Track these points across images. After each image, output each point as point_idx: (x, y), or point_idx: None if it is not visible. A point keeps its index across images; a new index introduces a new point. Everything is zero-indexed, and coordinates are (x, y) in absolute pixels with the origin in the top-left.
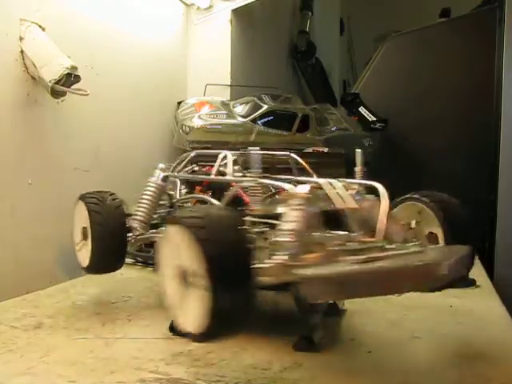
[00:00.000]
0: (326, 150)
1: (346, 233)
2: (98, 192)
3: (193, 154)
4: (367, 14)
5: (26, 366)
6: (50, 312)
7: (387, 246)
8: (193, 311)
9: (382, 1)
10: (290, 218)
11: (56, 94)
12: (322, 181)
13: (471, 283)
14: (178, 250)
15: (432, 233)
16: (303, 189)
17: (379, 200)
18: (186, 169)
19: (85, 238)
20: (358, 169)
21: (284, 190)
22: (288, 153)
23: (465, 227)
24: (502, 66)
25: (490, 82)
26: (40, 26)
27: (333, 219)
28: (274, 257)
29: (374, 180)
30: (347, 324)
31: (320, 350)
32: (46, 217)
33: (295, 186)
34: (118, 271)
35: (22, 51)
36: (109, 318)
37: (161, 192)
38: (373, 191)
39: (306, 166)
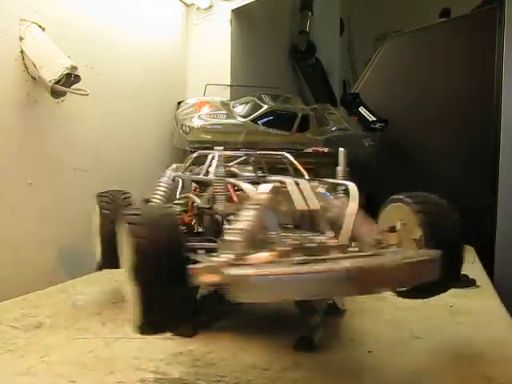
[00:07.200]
0: (325, 149)
1: (309, 233)
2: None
3: (195, 154)
4: (367, 14)
5: (26, 366)
6: (49, 312)
7: (350, 249)
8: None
9: (382, 1)
10: (243, 217)
11: (56, 93)
12: (288, 180)
13: (471, 283)
14: None
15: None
16: (264, 188)
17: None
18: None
19: None
20: (340, 168)
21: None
22: (282, 153)
23: (447, 230)
24: (502, 66)
25: (490, 82)
26: (40, 26)
27: (309, 220)
28: (220, 256)
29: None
30: (347, 324)
31: (320, 350)
32: (46, 217)
33: (258, 185)
34: (118, 271)
35: (22, 51)
36: (109, 318)
37: (171, 191)
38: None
39: (299, 165)
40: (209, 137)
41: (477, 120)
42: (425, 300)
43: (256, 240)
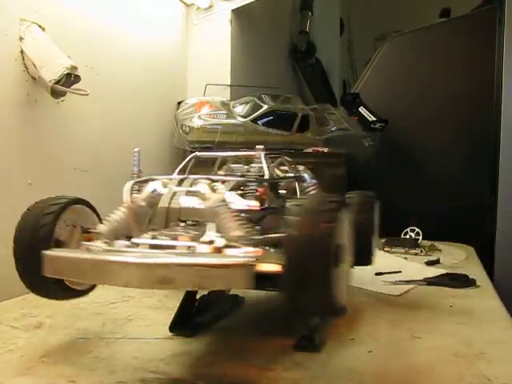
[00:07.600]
0: (325, 149)
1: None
2: None
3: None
4: (367, 14)
5: (26, 366)
6: (49, 312)
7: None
8: None
9: (382, 1)
10: (115, 212)
11: (56, 93)
12: (175, 178)
13: (471, 283)
14: None
15: None
16: (147, 188)
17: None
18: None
19: None
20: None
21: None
22: (259, 152)
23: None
24: (502, 66)
25: (490, 82)
26: (40, 26)
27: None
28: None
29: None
30: (347, 324)
31: (320, 349)
32: None
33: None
34: None
35: (22, 51)
36: (109, 318)
37: None
38: None
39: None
40: (209, 137)
41: (477, 120)
42: (425, 300)
43: (120, 232)
